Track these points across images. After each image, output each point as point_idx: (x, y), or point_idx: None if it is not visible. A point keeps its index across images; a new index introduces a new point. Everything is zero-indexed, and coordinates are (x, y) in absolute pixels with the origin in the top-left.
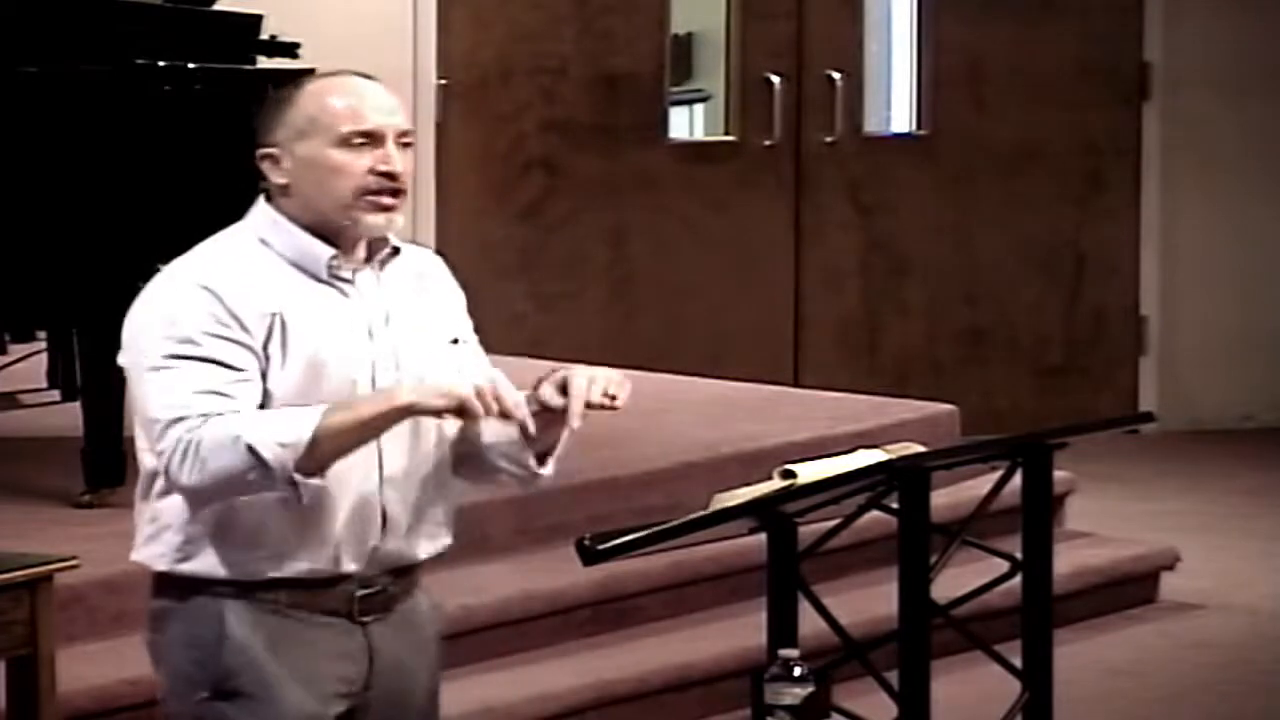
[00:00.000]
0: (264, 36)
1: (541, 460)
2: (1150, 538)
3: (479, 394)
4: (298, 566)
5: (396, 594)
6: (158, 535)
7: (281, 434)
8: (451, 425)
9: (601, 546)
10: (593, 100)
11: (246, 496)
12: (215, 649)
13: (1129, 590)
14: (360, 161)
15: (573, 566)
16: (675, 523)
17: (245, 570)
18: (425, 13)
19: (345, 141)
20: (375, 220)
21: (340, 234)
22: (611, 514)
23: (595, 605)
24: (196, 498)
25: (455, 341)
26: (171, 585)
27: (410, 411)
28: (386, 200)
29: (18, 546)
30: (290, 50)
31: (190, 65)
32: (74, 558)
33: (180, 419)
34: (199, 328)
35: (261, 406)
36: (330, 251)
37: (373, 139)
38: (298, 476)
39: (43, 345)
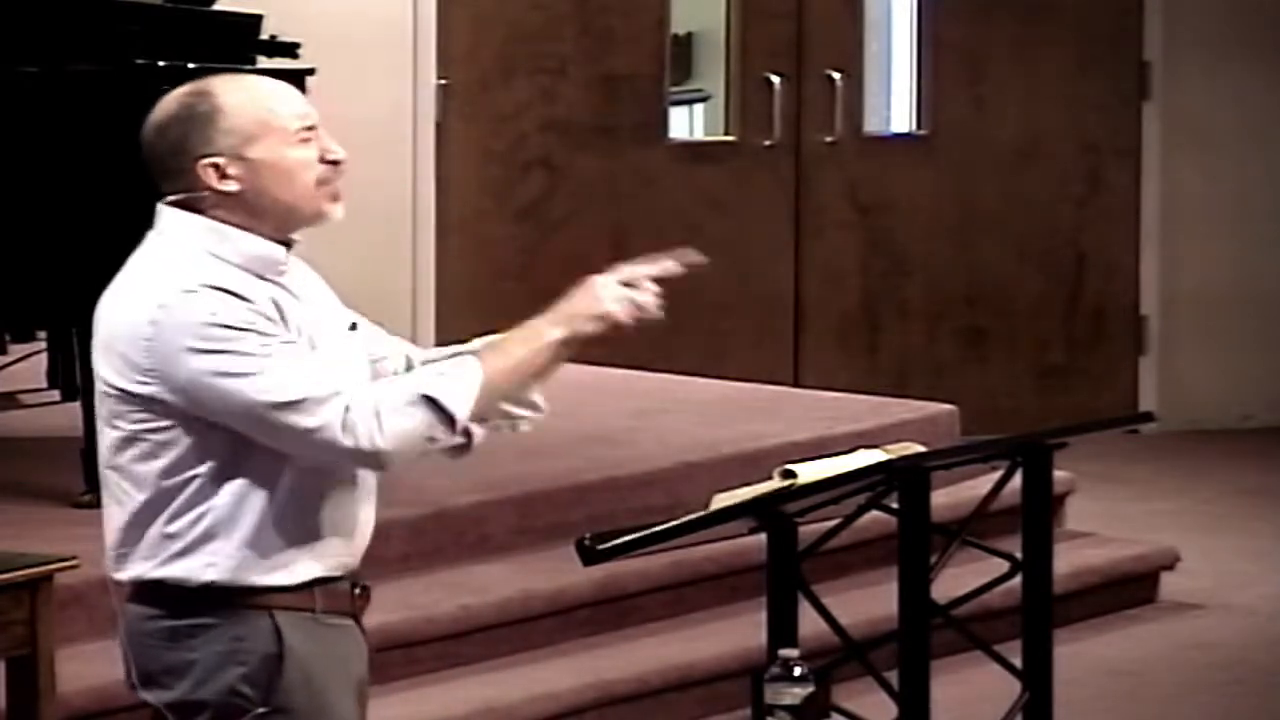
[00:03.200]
0: (264, 36)
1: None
2: (1150, 538)
3: (622, 306)
4: (330, 560)
5: (370, 595)
6: (194, 549)
7: (457, 387)
8: None
9: (601, 546)
10: (593, 100)
11: (415, 455)
12: (272, 664)
13: (1129, 590)
14: (311, 153)
15: (573, 566)
16: (675, 523)
17: (292, 573)
18: (425, 13)
19: (297, 137)
20: (335, 208)
21: (291, 232)
22: (611, 514)
23: (595, 605)
24: (369, 460)
25: (354, 327)
26: (208, 600)
27: (567, 344)
28: (336, 187)
29: (18, 546)
30: (290, 50)
31: (190, 65)
32: (74, 558)
33: (333, 392)
34: (254, 323)
35: None
36: (282, 252)
37: (313, 131)
38: (473, 427)
39: (43, 345)
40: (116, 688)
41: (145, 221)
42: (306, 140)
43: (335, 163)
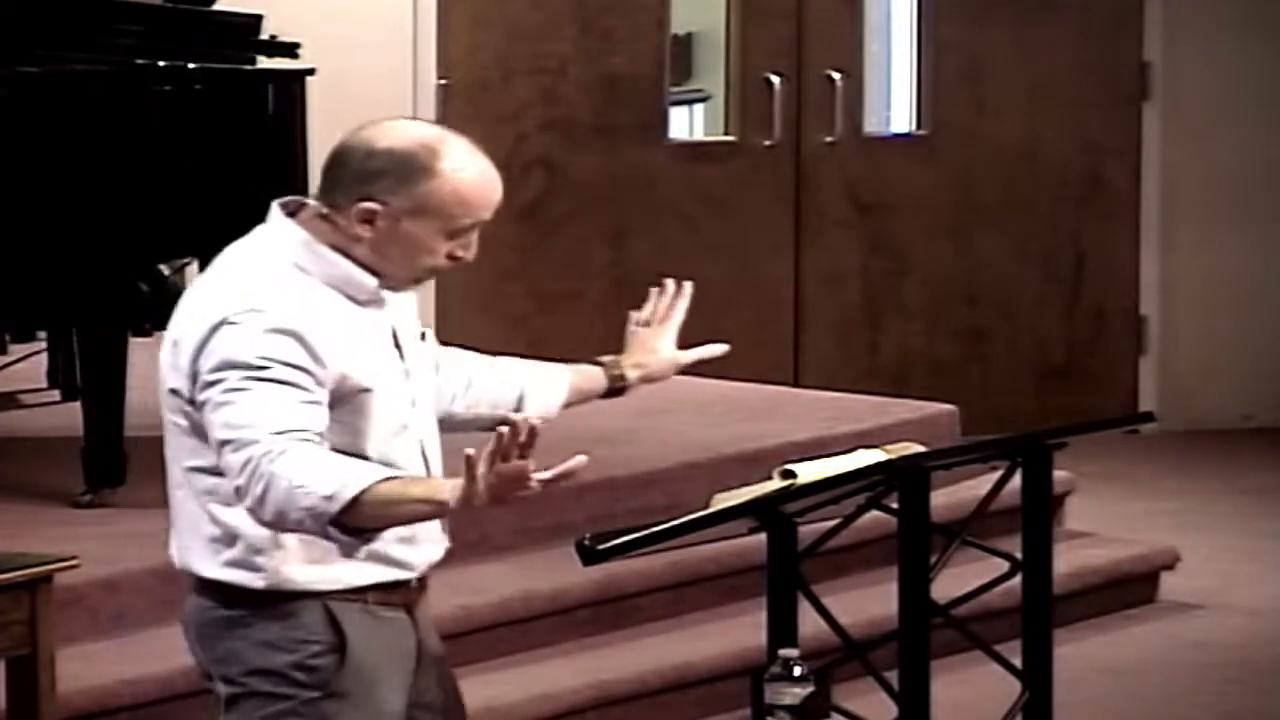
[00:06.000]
0: (264, 36)
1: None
2: (1150, 538)
3: (500, 480)
4: (388, 568)
5: (427, 585)
6: (247, 560)
7: (329, 485)
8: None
9: (601, 546)
10: (593, 100)
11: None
12: (331, 652)
13: (1129, 590)
14: (448, 246)
15: (573, 566)
16: (675, 523)
17: (343, 580)
18: (425, 13)
19: (455, 233)
20: (412, 288)
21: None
22: (611, 514)
23: (595, 605)
24: (258, 521)
25: (423, 336)
26: (261, 597)
27: (452, 510)
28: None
29: (18, 546)
30: (290, 50)
31: (190, 65)
32: (74, 558)
33: (249, 441)
34: (278, 359)
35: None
36: (375, 281)
37: (472, 230)
38: (332, 530)
39: (43, 345)
40: (117, 687)
41: (145, 221)
42: (454, 236)
43: (456, 261)
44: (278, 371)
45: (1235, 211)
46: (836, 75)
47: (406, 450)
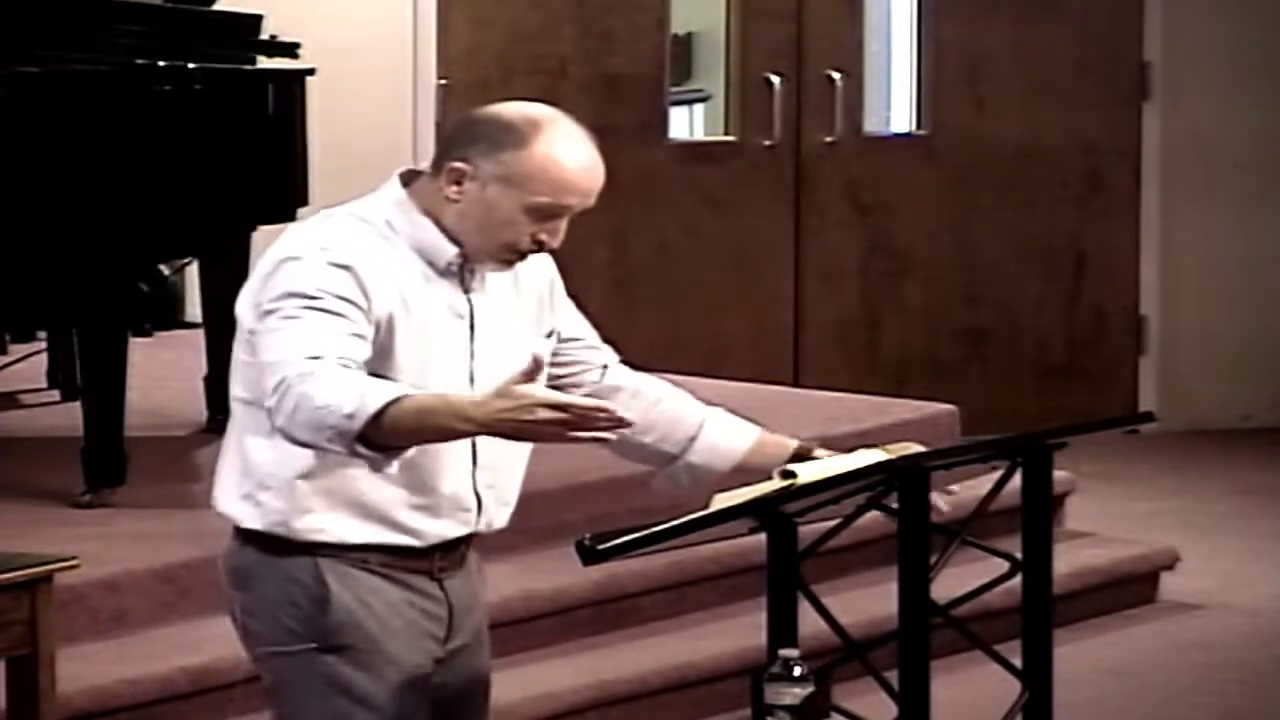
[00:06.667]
0: (264, 36)
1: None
2: (1150, 538)
3: (544, 420)
4: (398, 540)
5: (465, 552)
6: (253, 495)
7: (351, 403)
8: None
9: (601, 546)
10: (593, 100)
11: (332, 453)
12: (318, 608)
13: (1129, 590)
14: (531, 227)
15: (573, 566)
16: (675, 523)
17: (336, 534)
18: (425, 13)
19: (536, 210)
20: (498, 268)
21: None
22: (611, 514)
23: (595, 605)
24: (292, 441)
25: (550, 335)
26: (261, 542)
27: (473, 434)
28: (518, 262)
29: (18, 546)
30: (290, 50)
31: (190, 65)
32: (74, 558)
33: (287, 363)
34: (331, 291)
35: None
36: (454, 250)
37: (557, 216)
38: (359, 448)
39: (43, 345)
40: (117, 687)
41: (145, 221)
42: (539, 214)
43: (539, 246)
44: (329, 303)
45: (1235, 211)
46: (836, 75)
47: None
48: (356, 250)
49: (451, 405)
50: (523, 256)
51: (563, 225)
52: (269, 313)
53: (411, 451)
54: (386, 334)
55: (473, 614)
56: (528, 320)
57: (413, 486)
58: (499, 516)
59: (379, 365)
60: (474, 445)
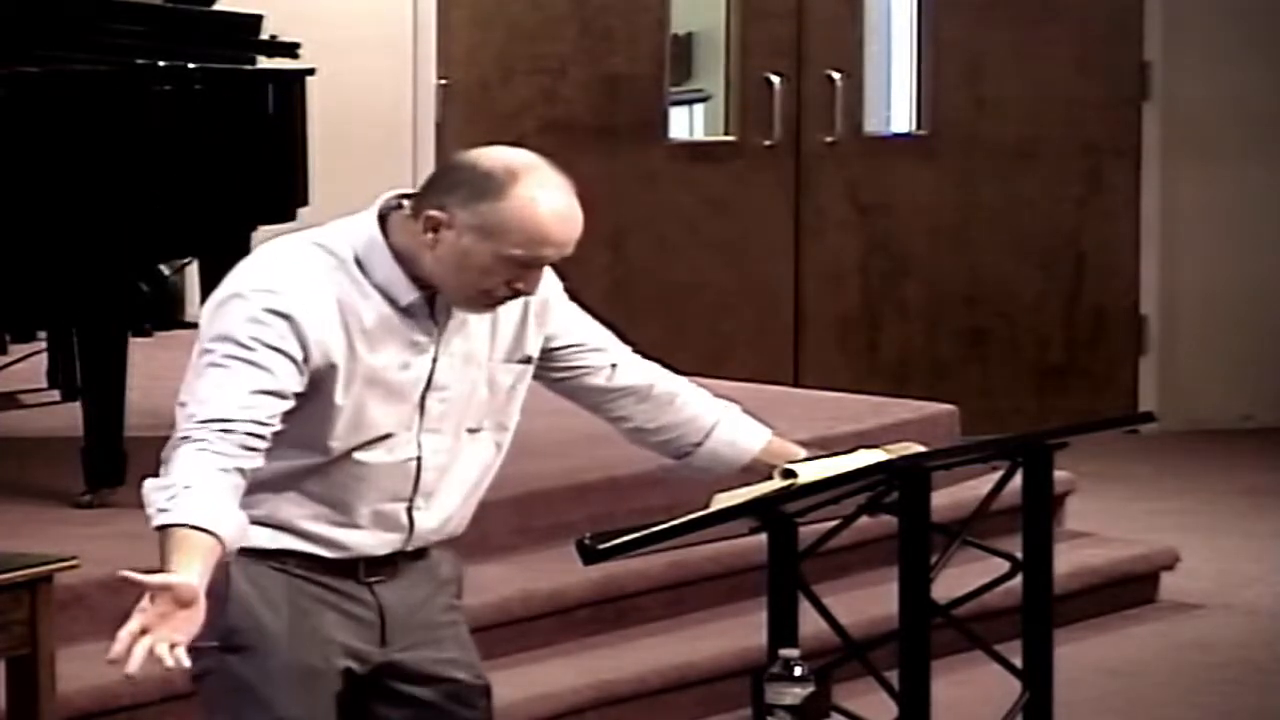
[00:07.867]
0: (264, 36)
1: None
2: (1150, 538)
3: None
4: (315, 551)
5: (401, 565)
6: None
7: (161, 503)
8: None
9: (601, 546)
10: (593, 100)
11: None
12: (223, 605)
13: (1129, 590)
14: (507, 275)
15: (573, 566)
16: (675, 523)
17: (261, 546)
18: (425, 13)
19: (511, 260)
20: (476, 311)
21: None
22: (611, 514)
23: (595, 605)
24: None
25: (527, 361)
26: None
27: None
28: (497, 307)
29: (18, 546)
30: (290, 50)
31: (190, 65)
32: (74, 558)
33: (187, 416)
34: (264, 341)
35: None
36: (416, 294)
37: (534, 266)
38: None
39: (43, 345)
40: (117, 687)
41: (145, 221)
42: (514, 264)
43: (515, 294)
44: (259, 355)
45: (1235, 212)
46: (836, 75)
47: (386, 457)
48: (305, 294)
49: (175, 562)
50: (500, 303)
51: (540, 273)
52: (205, 350)
53: (339, 472)
54: (327, 379)
55: (420, 614)
56: (502, 347)
57: (335, 505)
58: (444, 531)
59: (314, 406)
60: (418, 470)
